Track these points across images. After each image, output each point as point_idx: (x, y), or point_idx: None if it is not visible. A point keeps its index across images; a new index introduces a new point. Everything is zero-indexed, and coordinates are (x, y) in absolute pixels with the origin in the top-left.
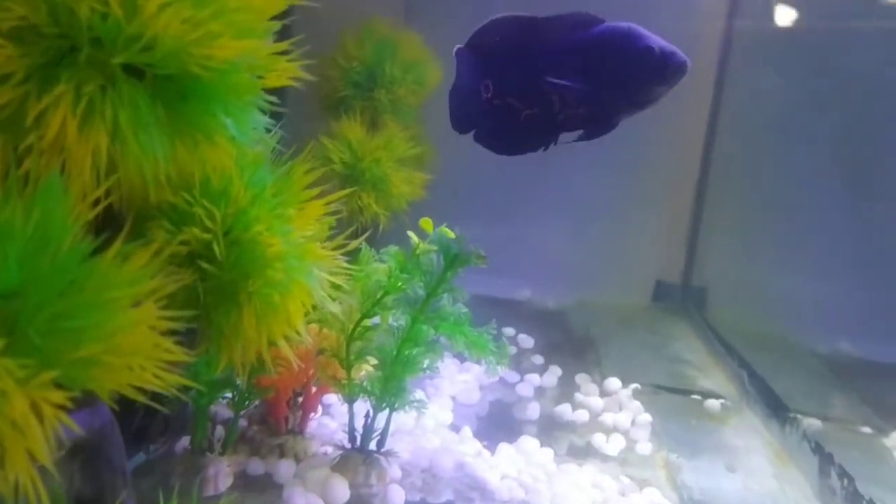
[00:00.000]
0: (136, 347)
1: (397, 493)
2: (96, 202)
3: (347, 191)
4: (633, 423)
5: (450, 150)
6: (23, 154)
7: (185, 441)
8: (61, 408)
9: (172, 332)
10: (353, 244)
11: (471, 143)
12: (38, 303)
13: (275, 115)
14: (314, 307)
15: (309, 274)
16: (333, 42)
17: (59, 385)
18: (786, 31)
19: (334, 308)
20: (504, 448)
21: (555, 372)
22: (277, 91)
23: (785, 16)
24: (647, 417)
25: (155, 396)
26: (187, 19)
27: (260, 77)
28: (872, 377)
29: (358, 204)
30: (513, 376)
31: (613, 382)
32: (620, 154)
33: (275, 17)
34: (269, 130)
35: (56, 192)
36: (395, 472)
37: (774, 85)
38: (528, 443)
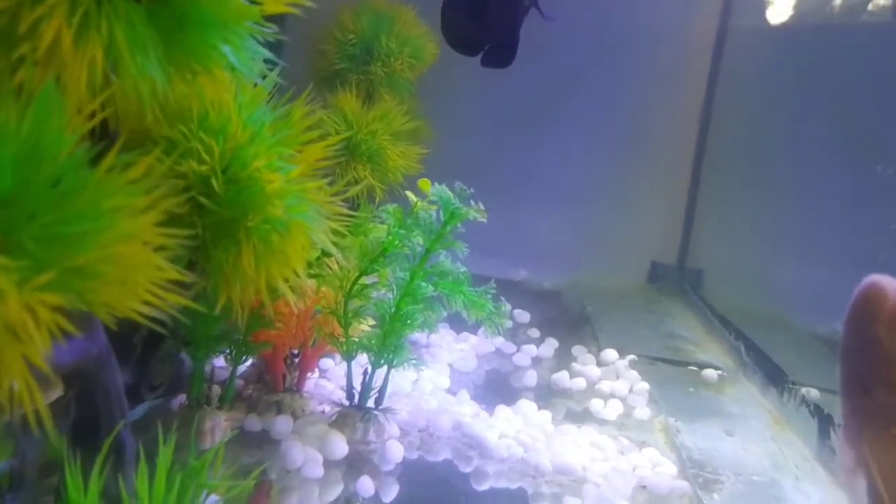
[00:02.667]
0: (132, 261)
1: (396, 449)
2: (91, 116)
3: (346, 134)
4: (630, 390)
5: (445, 128)
6: (16, 64)
7: (181, 398)
8: (60, 314)
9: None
10: (353, 191)
11: (467, 121)
12: (32, 209)
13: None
14: (312, 263)
15: (309, 214)
16: (329, 17)
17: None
18: (779, 26)
19: (336, 253)
20: (502, 410)
21: (551, 344)
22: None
23: (778, 7)
24: (644, 385)
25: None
26: None
27: (257, 3)
28: None
29: (353, 175)
30: (509, 347)
31: (610, 353)
32: (618, 137)
33: None
34: (271, 63)
35: (51, 101)
36: (393, 429)
37: (769, 72)
38: (526, 405)
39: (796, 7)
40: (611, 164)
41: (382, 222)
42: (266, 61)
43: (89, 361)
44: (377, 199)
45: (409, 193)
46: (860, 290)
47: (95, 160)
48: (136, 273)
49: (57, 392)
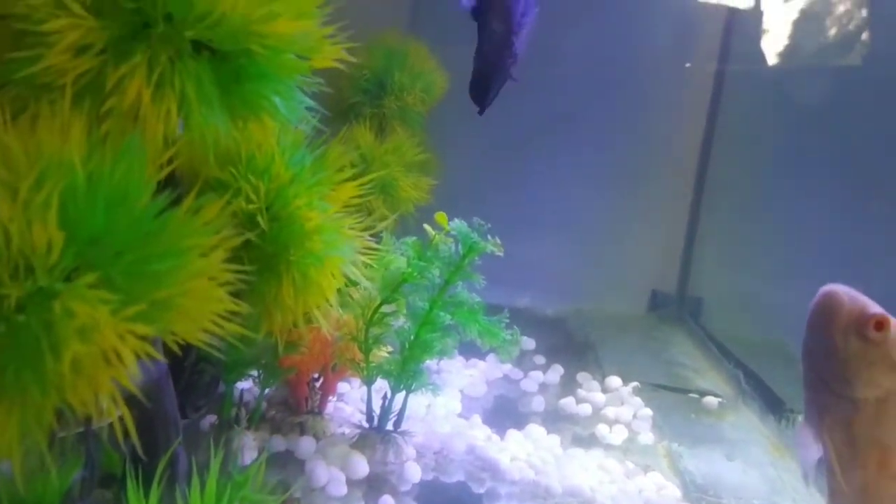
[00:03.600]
0: (202, 294)
1: (413, 470)
2: (162, 167)
3: (378, 174)
4: (634, 416)
5: (453, 160)
6: (102, 117)
7: (211, 418)
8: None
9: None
10: (381, 225)
11: (471, 152)
12: (120, 248)
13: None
14: (339, 290)
15: (343, 249)
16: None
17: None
18: (779, 48)
19: (365, 283)
20: (513, 434)
21: (557, 370)
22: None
23: (778, 35)
24: (647, 412)
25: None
26: None
27: (307, 59)
28: None
29: (366, 206)
30: (516, 373)
31: (614, 380)
32: (619, 167)
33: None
34: (311, 111)
35: (136, 151)
36: (410, 451)
37: (769, 102)
38: (536, 430)
39: (794, 47)
40: (612, 193)
41: (402, 254)
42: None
43: (151, 384)
44: (390, 228)
45: (426, 227)
46: (818, 299)
47: (169, 204)
48: (204, 305)
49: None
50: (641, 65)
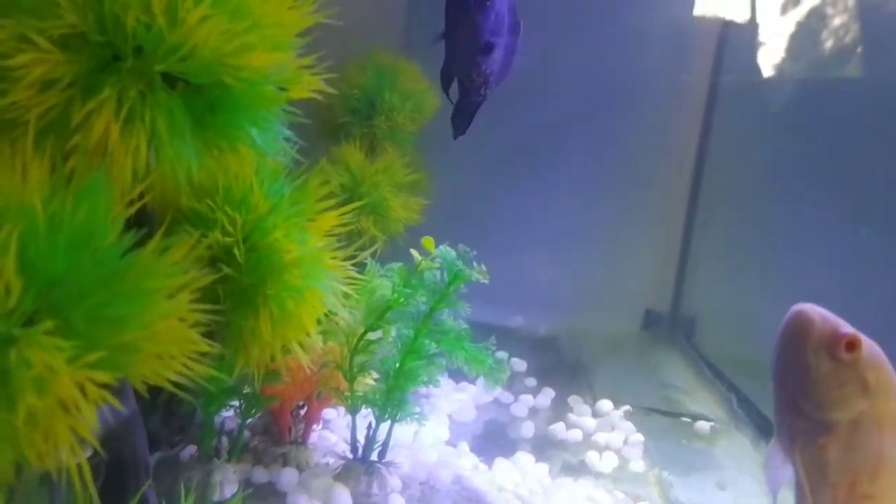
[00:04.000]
0: (169, 337)
1: (398, 502)
2: (132, 203)
3: (358, 203)
4: (625, 442)
5: (444, 178)
6: (68, 153)
7: (191, 449)
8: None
9: (202, 327)
10: (362, 256)
11: (463, 170)
12: (82, 291)
13: (295, 129)
14: (320, 320)
15: (322, 281)
16: (334, 72)
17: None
18: (773, 65)
19: (345, 314)
20: (500, 462)
21: (548, 394)
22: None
23: (771, 51)
24: (639, 437)
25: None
26: (225, 31)
27: (284, 90)
28: None
29: (356, 227)
30: (507, 397)
31: (605, 404)
32: (612, 186)
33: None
34: (288, 142)
35: (101, 189)
36: (395, 482)
37: (762, 120)
38: (524, 458)
39: (787, 62)
40: (606, 212)
41: (388, 279)
42: (286, 139)
43: (120, 425)
44: (378, 251)
45: (413, 252)
46: (788, 318)
47: (137, 243)
48: (172, 347)
49: (88, 451)
50: (634, 81)
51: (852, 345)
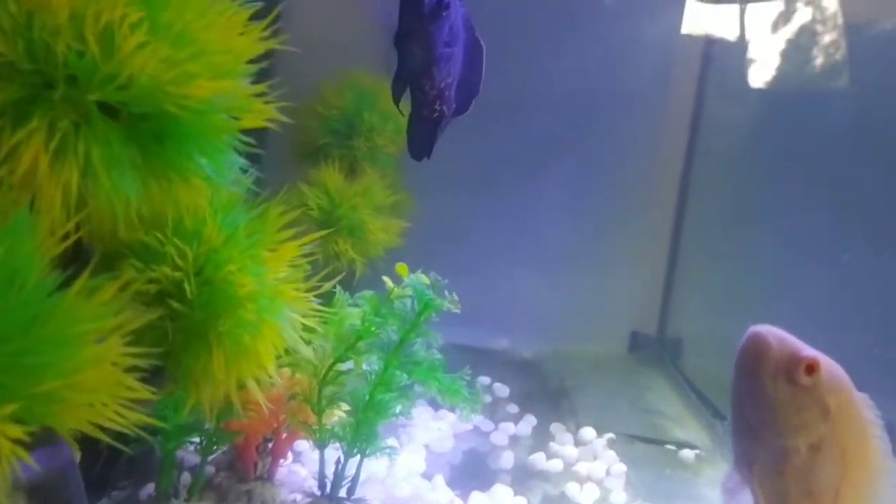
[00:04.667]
0: (98, 384)
1: None
2: (66, 237)
3: (322, 233)
4: (607, 472)
5: (425, 200)
6: None
7: (149, 488)
8: (19, 443)
9: (139, 372)
10: (327, 286)
11: (447, 190)
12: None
13: (252, 158)
14: (286, 351)
15: (281, 315)
16: (313, 92)
17: (18, 421)
18: (758, 82)
19: (306, 351)
20: (476, 497)
21: (529, 421)
22: (257, 138)
23: (757, 68)
24: (621, 467)
25: (119, 437)
26: (164, 59)
27: (236, 118)
28: None
29: (334, 250)
30: (487, 425)
31: (588, 432)
32: (597, 205)
33: (255, 61)
34: (244, 171)
35: (24, 227)
36: None
37: (747, 138)
38: (502, 491)
39: (773, 81)
40: (590, 232)
41: (358, 307)
42: (242, 169)
43: (52, 475)
44: (358, 274)
45: (385, 279)
46: (745, 342)
47: (69, 280)
48: (103, 395)
49: None
50: (620, 100)
51: (811, 368)
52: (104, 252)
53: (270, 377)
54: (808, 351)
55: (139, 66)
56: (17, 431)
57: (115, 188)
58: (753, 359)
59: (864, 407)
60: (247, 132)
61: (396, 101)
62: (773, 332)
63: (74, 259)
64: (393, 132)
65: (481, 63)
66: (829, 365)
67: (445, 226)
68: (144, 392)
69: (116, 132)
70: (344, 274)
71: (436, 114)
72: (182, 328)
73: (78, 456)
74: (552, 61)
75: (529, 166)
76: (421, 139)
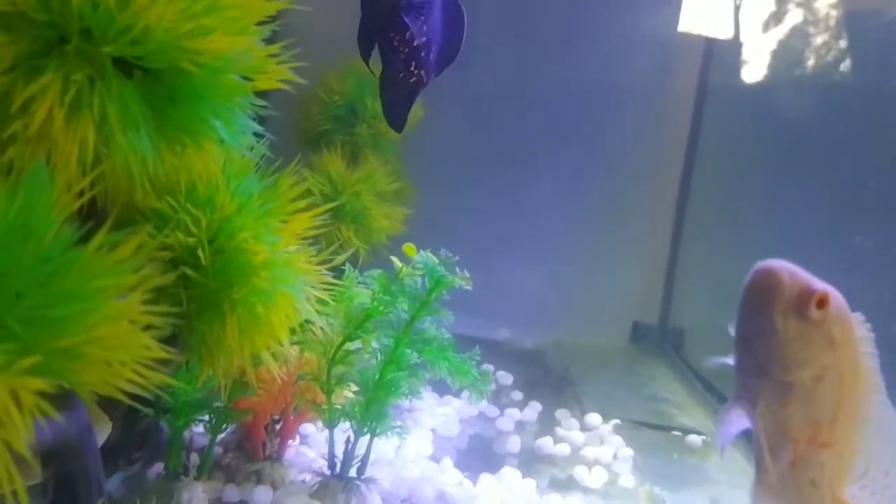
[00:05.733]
0: (117, 342)
1: None
2: (81, 194)
3: (332, 204)
4: (614, 456)
5: (428, 187)
6: (7, 142)
7: (158, 467)
8: (43, 396)
9: (156, 334)
10: (338, 259)
11: (449, 180)
12: (19, 289)
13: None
14: (295, 329)
15: (294, 285)
16: (314, 79)
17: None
18: (757, 78)
19: (319, 322)
20: (486, 478)
21: (535, 407)
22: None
23: (755, 64)
24: (628, 452)
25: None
26: (181, 12)
27: (250, 79)
28: None
29: (337, 236)
30: (493, 411)
31: (594, 418)
32: (599, 196)
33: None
34: (258, 137)
35: (41, 180)
36: (374, 500)
37: (748, 131)
38: (510, 473)
39: (773, 77)
40: (592, 223)
41: (367, 287)
42: (255, 134)
43: (69, 440)
44: (360, 261)
45: (393, 258)
46: (755, 277)
47: (85, 238)
48: (121, 353)
49: (35, 478)
50: (621, 94)
51: (822, 302)
52: (117, 219)
53: (284, 349)
54: (818, 284)
55: (154, 19)
56: (39, 384)
57: (131, 147)
58: (764, 295)
59: (859, 326)
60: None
61: (364, 57)
62: (783, 267)
63: (90, 217)
64: None
65: (462, 30)
66: (836, 296)
67: (447, 216)
68: (162, 352)
69: (131, 90)
70: (354, 251)
71: (413, 78)
72: (196, 296)
73: (107, 424)
74: (557, 58)
75: (532, 157)
76: (396, 105)
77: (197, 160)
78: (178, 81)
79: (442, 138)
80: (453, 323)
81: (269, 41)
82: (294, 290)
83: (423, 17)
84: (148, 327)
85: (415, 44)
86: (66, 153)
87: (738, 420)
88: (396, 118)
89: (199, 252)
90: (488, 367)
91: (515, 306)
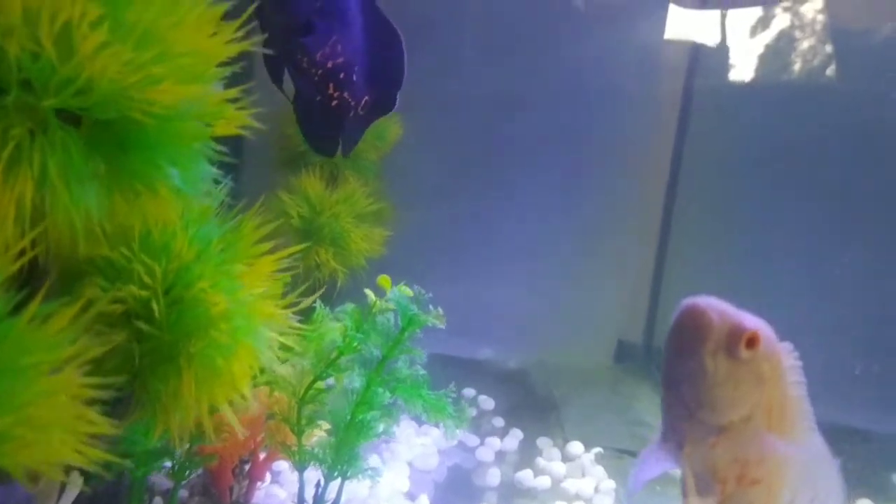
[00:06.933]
0: (53, 419)
1: None
2: (21, 254)
3: (300, 246)
4: (596, 489)
5: (408, 208)
6: None
7: None
8: None
9: (101, 401)
10: (307, 302)
11: (431, 198)
12: None
13: (227, 167)
14: (262, 370)
15: (256, 335)
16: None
17: None
18: (742, 87)
19: (283, 370)
20: None
21: (516, 435)
22: (234, 145)
23: (740, 73)
24: (610, 484)
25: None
26: (127, 62)
27: (209, 125)
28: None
29: (315, 260)
30: (473, 440)
31: (576, 446)
32: (583, 213)
33: (230, 64)
34: (217, 182)
35: None
36: None
37: (733, 143)
38: None
39: (759, 86)
40: (576, 240)
41: (340, 321)
42: (215, 180)
43: None
44: (339, 284)
45: (367, 291)
46: (683, 316)
47: (24, 302)
48: (59, 431)
49: None
50: (604, 111)
51: (752, 342)
52: (63, 271)
53: (245, 399)
54: (748, 322)
55: (99, 69)
56: None
57: (74, 201)
58: (693, 335)
59: (787, 357)
60: (224, 139)
61: (274, 80)
62: (712, 306)
63: (29, 279)
64: (375, 139)
65: (401, 52)
66: (765, 331)
67: (428, 235)
68: (105, 426)
69: (77, 141)
70: (325, 286)
71: (334, 101)
72: (150, 350)
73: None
74: (540, 70)
75: (515, 176)
76: (317, 128)
77: (152, 207)
78: (128, 130)
79: (423, 157)
80: (436, 343)
81: (234, 80)
82: (256, 340)
83: (334, 37)
84: (92, 402)
85: (329, 65)
86: (3, 212)
87: (659, 462)
88: (327, 145)
89: (153, 304)
90: (469, 391)
91: (499, 325)
